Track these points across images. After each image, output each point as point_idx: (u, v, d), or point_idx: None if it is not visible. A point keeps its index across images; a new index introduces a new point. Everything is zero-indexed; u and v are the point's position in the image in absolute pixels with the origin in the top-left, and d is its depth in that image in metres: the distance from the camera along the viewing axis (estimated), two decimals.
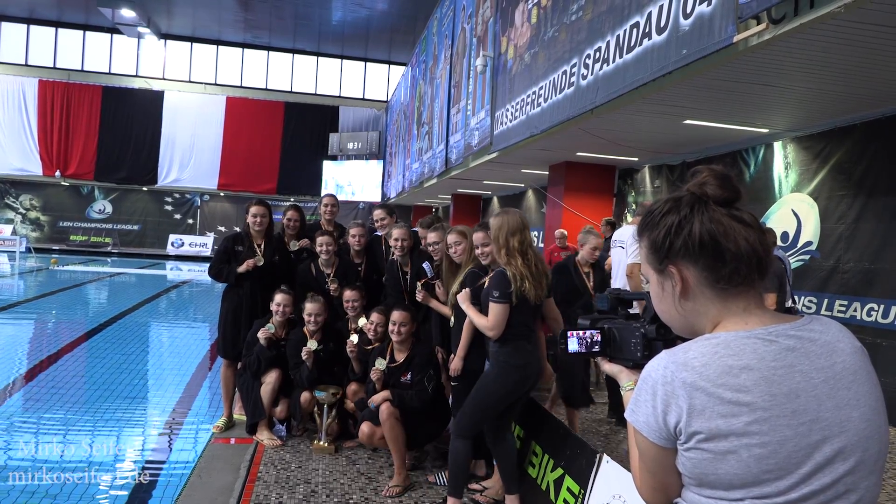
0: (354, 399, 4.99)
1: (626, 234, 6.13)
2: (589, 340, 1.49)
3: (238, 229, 5.59)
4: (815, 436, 1.06)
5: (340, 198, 6.36)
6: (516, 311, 3.60)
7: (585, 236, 5.34)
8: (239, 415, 5.44)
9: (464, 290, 3.82)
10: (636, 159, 10.21)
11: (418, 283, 4.84)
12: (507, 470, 3.88)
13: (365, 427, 4.54)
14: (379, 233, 5.66)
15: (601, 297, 1.56)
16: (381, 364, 4.55)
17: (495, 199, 19.14)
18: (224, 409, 5.44)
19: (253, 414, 5.06)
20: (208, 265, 5.47)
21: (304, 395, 5.00)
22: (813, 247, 7.01)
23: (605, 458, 3.30)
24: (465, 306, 3.75)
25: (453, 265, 4.35)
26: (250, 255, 5.28)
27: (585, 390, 5.24)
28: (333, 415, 4.99)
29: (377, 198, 26.22)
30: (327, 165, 28.23)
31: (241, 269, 5.21)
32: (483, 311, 3.68)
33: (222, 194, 28.83)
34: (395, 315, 4.54)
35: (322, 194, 27.64)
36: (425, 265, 4.90)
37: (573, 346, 1.50)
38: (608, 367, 1.51)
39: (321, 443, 4.92)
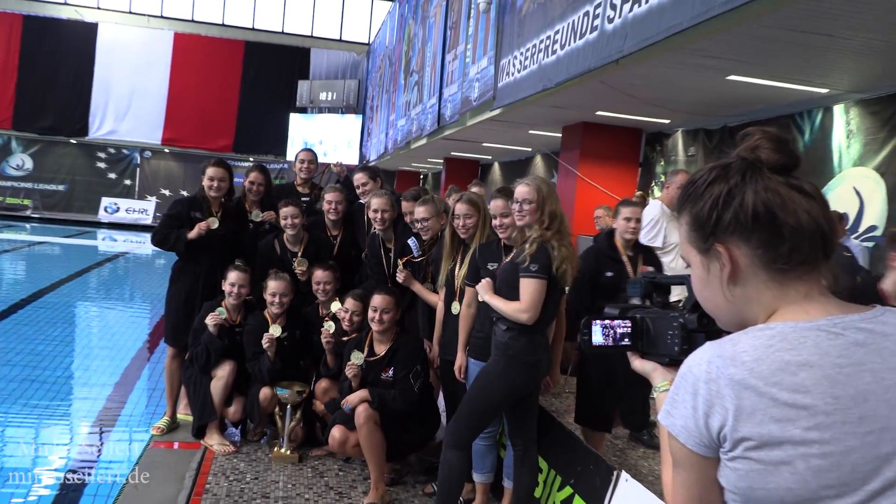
0: (324, 399, 5.01)
1: (651, 212, 6.12)
2: (617, 332, 1.49)
3: (185, 193, 5.56)
4: (885, 447, 1.07)
5: None
6: (548, 295, 3.61)
7: (619, 207, 4.93)
8: (184, 414, 5.45)
9: (485, 280, 3.78)
10: (667, 122, 10.19)
11: (399, 262, 4.85)
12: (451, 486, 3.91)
13: (336, 432, 4.56)
14: (361, 200, 5.65)
15: (633, 282, 1.57)
16: (357, 358, 4.57)
17: (496, 166, 19.11)
18: (167, 407, 5.45)
19: (201, 414, 5.07)
20: (152, 232, 5.44)
21: (264, 393, 5.01)
22: (877, 232, 7.04)
23: (624, 475, 3.34)
24: (489, 297, 3.70)
25: (456, 242, 4.34)
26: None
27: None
28: (298, 417, 5.01)
29: (354, 160, 26.14)
30: (295, 119, 28.07)
31: (193, 234, 5.19)
32: (504, 293, 3.67)
33: (167, 151, 28.65)
34: (377, 300, 4.55)
35: (288, 152, 27.42)
36: (411, 241, 4.92)
37: (598, 338, 1.50)
38: (639, 364, 1.51)
39: (283, 450, 4.94)
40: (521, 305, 3.54)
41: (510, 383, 3.69)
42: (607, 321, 1.51)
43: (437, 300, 4.61)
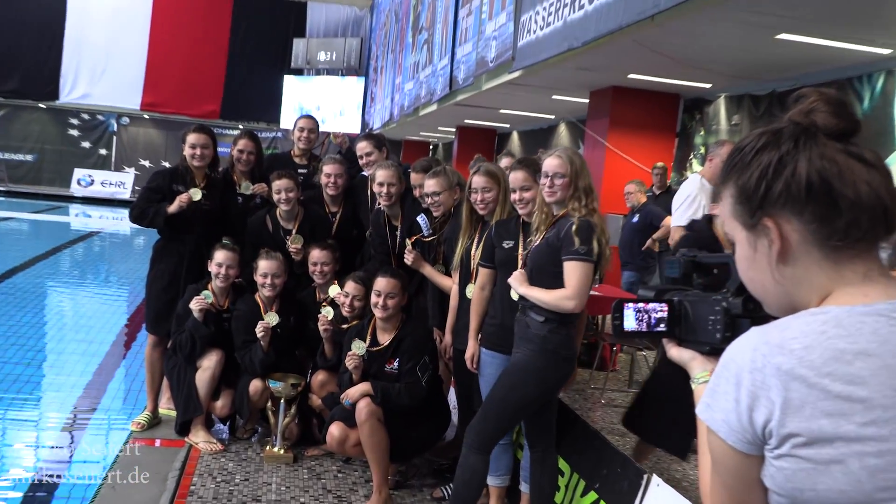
0: (322, 393, 5.04)
1: (688, 187, 6.10)
2: (651, 317, 1.49)
3: (167, 164, 5.58)
4: None
5: None
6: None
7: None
8: (167, 409, 5.49)
9: (518, 272, 3.74)
10: (708, 86, 10.14)
11: (408, 241, 4.86)
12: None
13: (335, 429, 4.59)
14: (365, 172, 5.65)
15: (671, 262, 1.56)
16: (359, 348, 4.59)
17: (515, 136, 19.08)
18: (148, 400, 5.49)
19: (185, 409, 5.10)
20: (130, 207, 5.47)
21: (255, 385, 5.04)
22: None
23: (655, 479, 3.35)
24: (524, 289, 3.65)
25: (473, 219, 4.34)
26: None
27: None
28: (293, 412, 5.04)
29: (356, 128, 26.12)
30: (289, 82, 28.05)
31: (173, 207, 5.19)
32: (536, 279, 3.65)
33: (147, 117, 28.69)
34: (381, 283, 4.56)
35: (282, 119, 27.31)
36: (420, 218, 4.92)
37: (630, 322, 1.50)
38: (676, 353, 1.51)
39: (275, 449, 4.98)
40: (568, 292, 3.50)
41: (548, 381, 3.69)
42: (641, 304, 1.50)
43: (449, 284, 4.63)
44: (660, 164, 9.75)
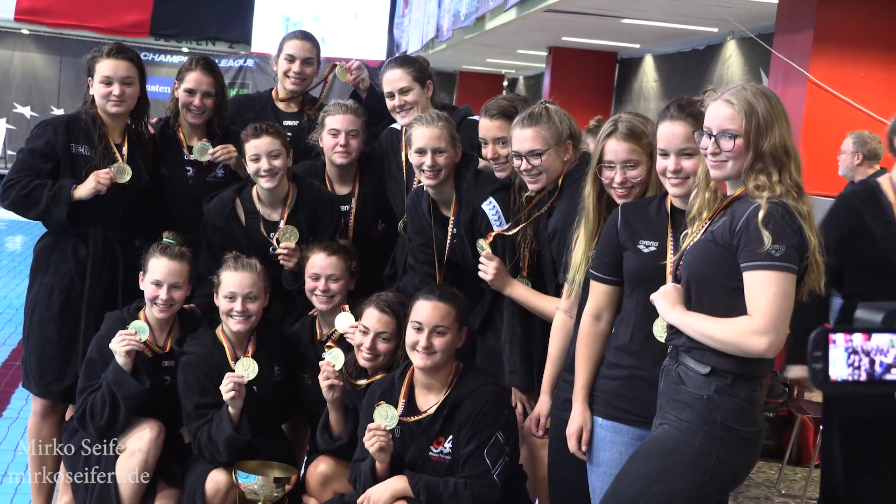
0: (325, 495, 5.05)
1: None
2: (877, 360, 1.50)
3: (62, 111, 5.65)
4: None
5: None
6: None
7: None
8: None
9: (671, 287, 3.67)
10: None
11: (482, 243, 4.87)
12: None
13: None
14: (398, 123, 5.68)
15: None
16: (386, 417, 4.61)
17: (648, 61, 19.02)
18: None
19: None
20: (3, 184, 5.50)
21: (216, 480, 5.05)
22: None
23: None
24: (679, 315, 3.58)
25: (601, 208, 4.27)
26: (104, 165, 5.34)
27: None
28: None
29: (379, 53, 26.23)
30: None
31: (85, 190, 5.23)
32: (695, 301, 3.62)
33: (26, 33, 29.01)
34: (423, 310, 4.60)
35: (254, 38, 27.57)
36: (488, 205, 4.97)
37: (841, 369, 1.50)
38: None
39: None
40: (757, 323, 3.39)
41: (712, 474, 3.61)
42: (859, 337, 1.50)
43: (550, 309, 4.64)
44: None
